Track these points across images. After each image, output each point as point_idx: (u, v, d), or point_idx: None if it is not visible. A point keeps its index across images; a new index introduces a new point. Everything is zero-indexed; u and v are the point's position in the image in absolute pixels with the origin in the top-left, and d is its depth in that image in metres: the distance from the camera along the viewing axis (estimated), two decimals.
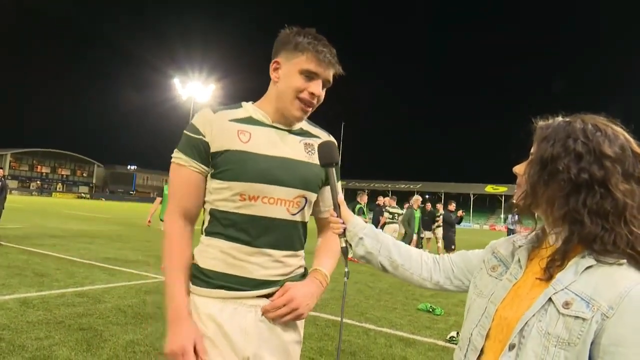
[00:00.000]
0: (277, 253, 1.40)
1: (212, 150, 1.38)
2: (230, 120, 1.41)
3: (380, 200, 12.88)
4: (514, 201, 1.06)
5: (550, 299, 0.91)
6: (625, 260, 0.89)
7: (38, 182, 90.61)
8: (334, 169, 1.37)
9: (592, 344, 0.85)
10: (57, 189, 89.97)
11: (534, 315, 0.91)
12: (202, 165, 1.39)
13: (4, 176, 10.45)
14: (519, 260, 1.06)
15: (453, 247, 11.89)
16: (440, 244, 13.30)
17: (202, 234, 1.45)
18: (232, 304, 1.36)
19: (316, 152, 1.45)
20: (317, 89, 1.39)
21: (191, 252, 1.43)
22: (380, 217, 12.53)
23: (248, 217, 1.37)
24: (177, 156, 1.41)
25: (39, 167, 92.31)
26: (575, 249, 0.95)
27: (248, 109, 1.45)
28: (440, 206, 14.22)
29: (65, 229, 14.11)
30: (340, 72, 1.44)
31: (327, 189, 1.52)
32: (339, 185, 1.58)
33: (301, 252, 1.51)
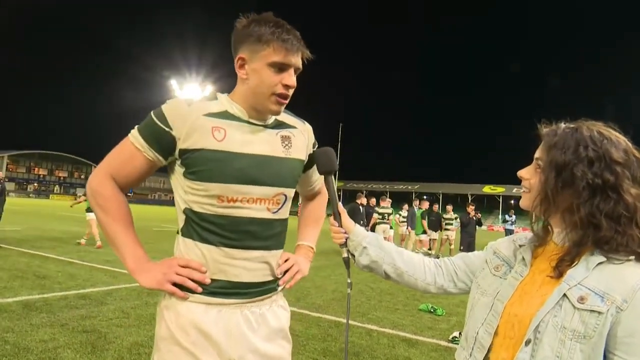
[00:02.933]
0: (261, 254, 1.37)
1: (183, 146, 1.31)
2: (205, 115, 1.33)
3: (363, 199, 12.37)
4: (526, 207, 1.09)
5: (564, 295, 0.94)
6: (633, 257, 0.94)
7: (35, 184, 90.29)
8: (332, 177, 1.34)
9: (607, 336, 0.89)
10: (55, 191, 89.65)
11: (548, 312, 0.94)
12: (159, 156, 1.34)
13: (2, 178, 10.40)
14: (523, 259, 1.09)
15: (461, 247, 11.74)
16: (453, 245, 13.34)
17: (178, 234, 1.40)
18: (216, 307, 1.33)
19: (293, 145, 1.43)
20: (291, 79, 1.32)
21: (129, 209, 1.38)
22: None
23: (229, 219, 1.32)
24: (136, 137, 1.34)
25: (36, 169, 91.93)
26: (585, 248, 0.99)
27: (223, 102, 1.38)
28: (450, 208, 14.26)
29: (64, 231, 14.07)
30: (308, 56, 1.36)
31: (309, 172, 1.53)
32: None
33: (281, 251, 1.47)
